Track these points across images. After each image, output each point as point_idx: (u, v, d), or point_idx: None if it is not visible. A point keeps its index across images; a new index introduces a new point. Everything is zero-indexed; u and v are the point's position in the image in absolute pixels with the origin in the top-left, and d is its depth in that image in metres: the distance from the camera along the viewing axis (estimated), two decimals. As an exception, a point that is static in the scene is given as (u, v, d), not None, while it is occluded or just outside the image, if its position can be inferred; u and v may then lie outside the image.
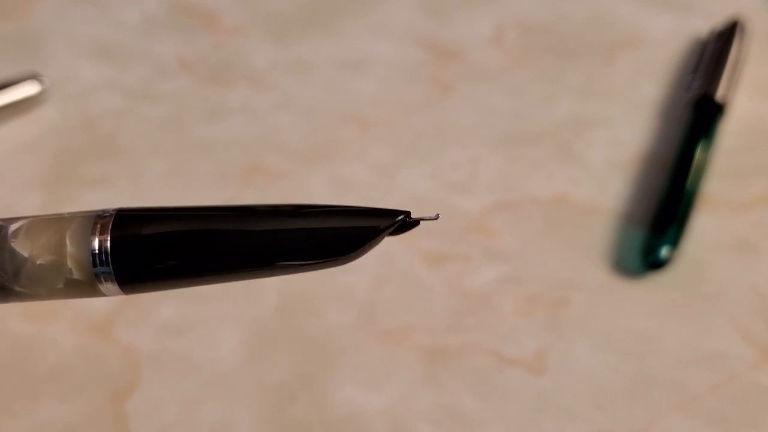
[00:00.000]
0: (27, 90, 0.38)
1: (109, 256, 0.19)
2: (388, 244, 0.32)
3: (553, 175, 0.35)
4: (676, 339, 0.29)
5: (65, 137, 0.37)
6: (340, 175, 0.35)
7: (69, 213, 0.20)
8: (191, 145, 0.37)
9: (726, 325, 0.30)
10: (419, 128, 0.37)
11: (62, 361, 0.29)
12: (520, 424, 0.27)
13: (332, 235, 0.19)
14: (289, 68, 0.40)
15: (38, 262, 0.19)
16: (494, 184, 0.35)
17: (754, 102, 0.38)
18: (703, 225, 0.33)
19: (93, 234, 0.19)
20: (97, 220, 0.19)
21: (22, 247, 0.19)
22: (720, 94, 0.36)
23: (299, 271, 0.19)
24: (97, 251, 0.19)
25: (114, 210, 0.19)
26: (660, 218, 0.32)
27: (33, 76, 0.38)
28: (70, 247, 0.19)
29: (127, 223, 0.19)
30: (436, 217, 0.19)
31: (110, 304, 0.30)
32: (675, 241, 0.31)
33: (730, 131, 0.36)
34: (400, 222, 0.19)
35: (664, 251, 0.31)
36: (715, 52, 0.38)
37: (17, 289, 0.19)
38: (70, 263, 0.19)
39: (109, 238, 0.19)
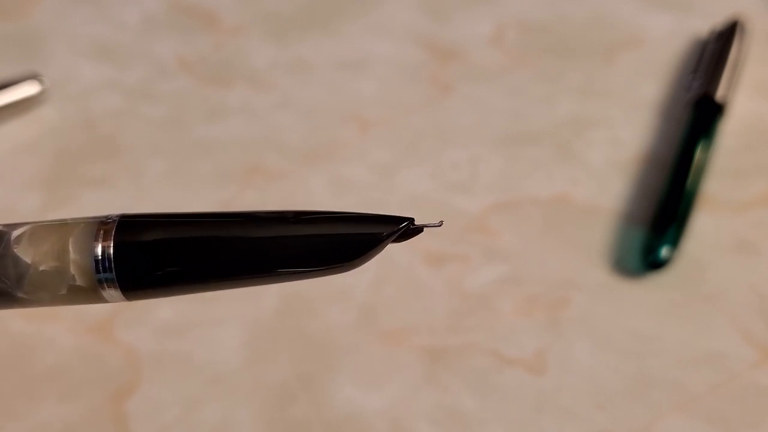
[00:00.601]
0: (27, 90, 0.38)
1: (112, 263, 0.19)
2: (388, 245, 0.32)
3: (553, 175, 0.35)
4: (676, 339, 0.29)
5: (65, 137, 0.37)
6: (340, 175, 0.35)
7: (72, 219, 0.20)
8: (191, 145, 0.37)
9: (726, 325, 0.30)
10: (419, 128, 0.37)
11: (62, 361, 0.29)
12: (520, 424, 0.27)
13: (335, 242, 0.19)
14: (289, 68, 0.40)
15: (41, 268, 0.19)
16: (494, 184, 0.35)
17: (754, 102, 0.38)
18: (703, 225, 0.33)
19: (96, 240, 0.19)
20: (100, 226, 0.19)
21: (25, 254, 0.19)
22: (720, 94, 0.36)
23: (302, 278, 0.19)
24: (100, 257, 0.19)
25: (117, 216, 0.19)
26: (660, 218, 0.32)
27: (33, 76, 0.38)
28: (73, 254, 0.19)
29: (130, 230, 0.19)
30: (440, 224, 0.19)
31: (110, 304, 0.30)
32: (675, 241, 0.31)
33: (730, 131, 0.36)
34: (404, 229, 0.19)
35: (664, 251, 0.31)
36: (715, 52, 0.38)
37: (20, 295, 0.19)
38: (73, 269, 0.19)
39: (112, 245, 0.19)
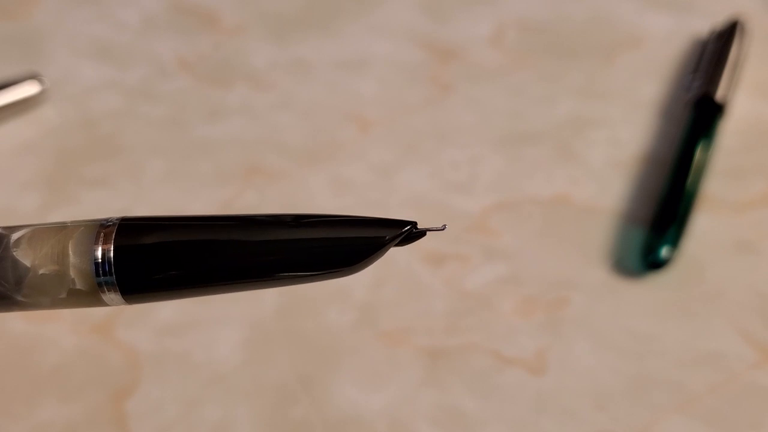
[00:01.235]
0: (27, 90, 0.38)
1: (113, 266, 0.19)
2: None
3: (553, 175, 0.35)
4: (676, 339, 0.30)
5: (65, 137, 0.37)
6: (340, 175, 0.35)
7: (72, 221, 0.19)
8: (191, 145, 0.37)
9: (726, 325, 0.30)
10: (419, 128, 0.37)
11: (63, 361, 0.29)
12: (520, 424, 0.27)
13: (336, 246, 0.18)
14: (289, 68, 0.40)
15: (41, 271, 0.19)
16: (494, 184, 0.35)
17: (754, 102, 0.38)
18: (703, 225, 0.33)
19: (96, 243, 0.19)
20: (101, 229, 0.19)
21: (24, 257, 0.19)
22: (720, 94, 0.36)
23: (303, 282, 0.19)
24: (100, 261, 0.19)
25: (117, 219, 0.19)
26: (660, 218, 0.32)
27: (33, 76, 0.38)
28: (72, 257, 0.19)
29: (130, 233, 0.19)
30: (443, 228, 0.19)
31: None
32: (675, 241, 0.31)
33: (730, 131, 0.36)
34: (406, 233, 0.19)
35: (664, 251, 0.31)
36: (715, 52, 0.38)
37: (19, 298, 0.19)
38: (72, 273, 0.19)
39: (112, 248, 0.19)
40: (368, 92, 0.39)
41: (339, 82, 0.40)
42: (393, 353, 0.29)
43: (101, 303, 0.19)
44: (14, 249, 0.19)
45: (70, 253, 0.19)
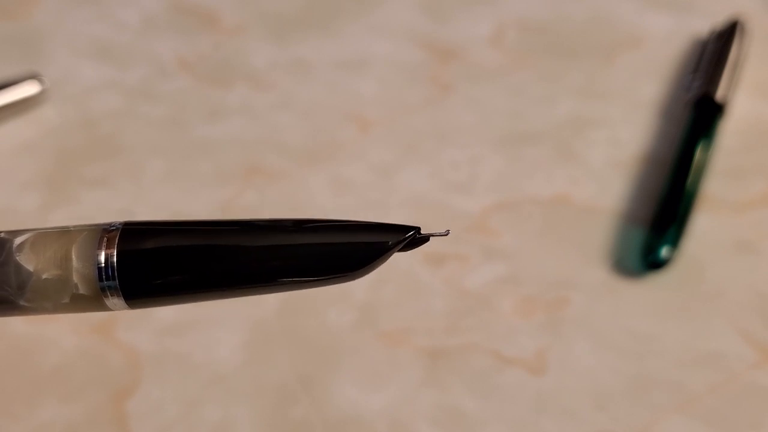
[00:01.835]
0: (27, 90, 0.38)
1: (116, 271, 0.19)
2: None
3: (553, 175, 0.35)
4: (676, 339, 0.30)
5: (65, 137, 0.37)
6: (340, 175, 0.35)
7: (75, 226, 0.19)
8: (191, 145, 0.37)
9: (726, 325, 0.30)
10: (419, 128, 0.37)
11: (63, 361, 0.29)
12: (520, 424, 0.27)
13: (339, 251, 0.18)
14: (289, 68, 0.40)
15: (44, 276, 0.19)
16: (494, 184, 0.35)
17: (754, 102, 0.38)
18: (703, 225, 0.33)
19: (99, 248, 0.19)
20: (104, 233, 0.19)
21: (27, 261, 0.19)
22: (720, 94, 0.36)
23: (306, 288, 0.19)
24: (103, 265, 0.19)
25: (120, 223, 0.19)
26: (660, 218, 0.32)
27: (33, 76, 0.38)
28: (75, 262, 0.19)
29: (133, 237, 0.19)
30: (447, 233, 0.19)
31: (110, 304, 0.30)
32: (675, 241, 0.31)
33: (730, 131, 0.36)
34: (410, 238, 0.19)
35: (664, 251, 0.31)
36: (715, 52, 0.38)
37: (22, 303, 0.19)
38: (75, 278, 0.19)
39: (115, 253, 0.19)
40: (368, 92, 0.39)
41: (339, 82, 0.40)
42: (393, 353, 0.29)
43: (104, 308, 0.19)
44: (17, 253, 0.19)
45: (73, 257, 0.19)
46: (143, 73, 0.40)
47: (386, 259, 0.19)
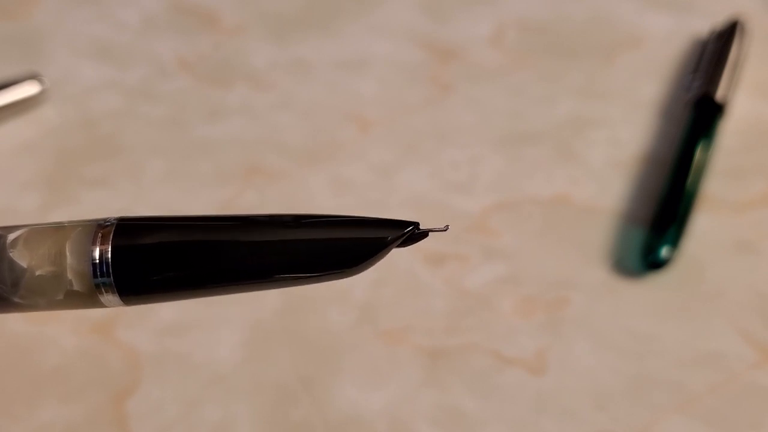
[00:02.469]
0: (27, 90, 0.38)
1: (110, 267, 0.18)
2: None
3: (553, 175, 0.35)
4: (676, 339, 0.30)
5: (65, 137, 0.37)
6: (340, 175, 0.35)
7: (69, 222, 0.19)
8: (191, 145, 0.37)
9: (726, 325, 0.30)
10: (419, 128, 0.37)
11: (63, 361, 0.29)
12: (520, 424, 0.27)
13: (337, 247, 0.18)
14: (289, 68, 0.40)
15: (37, 273, 0.19)
16: (494, 184, 0.35)
17: (754, 102, 0.38)
18: (703, 225, 0.33)
19: (94, 244, 0.18)
20: (98, 229, 0.19)
21: (20, 258, 0.19)
22: (720, 94, 0.36)
23: (303, 284, 0.19)
24: (97, 261, 0.18)
25: (115, 219, 0.19)
26: (660, 218, 0.32)
27: (33, 76, 0.38)
28: (70, 258, 0.19)
29: (128, 233, 0.18)
30: (446, 228, 0.19)
31: (110, 304, 0.30)
32: (675, 241, 0.31)
33: (730, 131, 0.36)
34: (409, 233, 0.19)
35: (664, 251, 0.31)
36: (715, 52, 0.38)
37: (16, 300, 0.19)
38: (70, 274, 0.19)
39: (110, 249, 0.18)
40: (368, 92, 0.39)
41: (339, 82, 0.40)
42: (393, 353, 0.29)
43: (99, 304, 0.19)
44: (11, 250, 0.19)
45: (68, 253, 0.19)
46: (143, 73, 0.40)
47: (385, 255, 0.18)
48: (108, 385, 0.28)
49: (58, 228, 0.19)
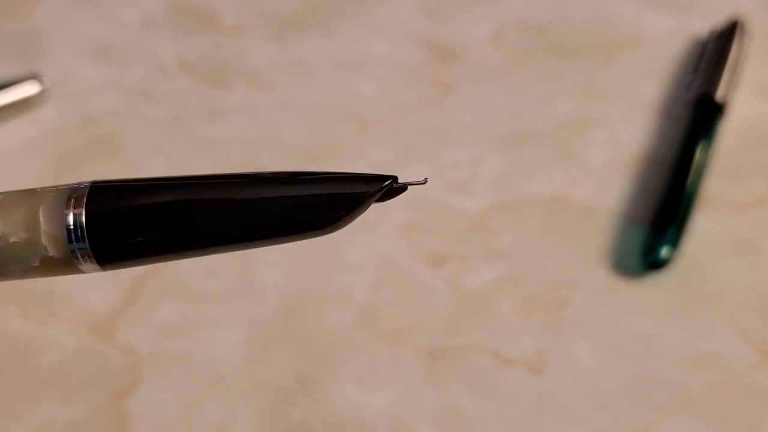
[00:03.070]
0: (27, 90, 0.38)
1: (85, 231, 0.18)
2: (389, 243, 0.32)
3: (553, 175, 0.35)
4: (676, 339, 0.30)
5: (65, 137, 0.37)
6: (340, 175, 0.35)
7: (42, 187, 0.19)
8: (191, 145, 0.37)
9: (726, 325, 0.30)
10: (419, 128, 0.37)
11: (63, 361, 0.29)
12: (520, 424, 0.27)
13: (317, 204, 0.18)
14: (289, 68, 0.40)
15: (11, 239, 0.18)
16: (494, 184, 0.35)
17: (754, 102, 0.38)
18: (703, 225, 0.33)
19: (67, 208, 0.18)
20: (72, 193, 0.18)
21: None
22: (720, 94, 0.36)
23: (284, 242, 0.18)
24: (72, 226, 0.18)
25: (89, 182, 0.18)
26: (660, 218, 0.32)
27: (33, 76, 0.38)
28: (44, 224, 0.18)
29: (103, 196, 0.18)
30: (425, 182, 0.19)
31: (111, 304, 0.30)
32: (675, 241, 0.31)
33: (730, 131, 0.36)
34: (387, 187, 0.18)
35: (664, 251, 0.31)
36: (715, 52, 0.38)
37: None
38: (44, 240, 0.18)
39: (84, 212, 0.18)
40: (368, 92, 0.39)
41: (339, 82, 0.40)
42: (393, 353, 0.29)
43: (76, 270, 0.18)
44: None
45: (41, 219, 0.18)
46: (143, 73, 0.40)
47: (364, 210, 0.18)
48: (108, 385, 0.28)
49: (32, 194, 0.18)
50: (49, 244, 0.18)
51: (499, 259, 0.32)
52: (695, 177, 0.33)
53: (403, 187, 0.18)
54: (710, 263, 0.32)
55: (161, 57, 0.41)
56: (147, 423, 0.27)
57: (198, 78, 0.40)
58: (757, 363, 0.29)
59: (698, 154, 0.34)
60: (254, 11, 0.44)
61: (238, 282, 0.31)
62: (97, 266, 0.18)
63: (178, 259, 0.19)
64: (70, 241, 0.18)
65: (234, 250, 0.19)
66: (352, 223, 0.18)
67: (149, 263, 0.19)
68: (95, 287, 0.31)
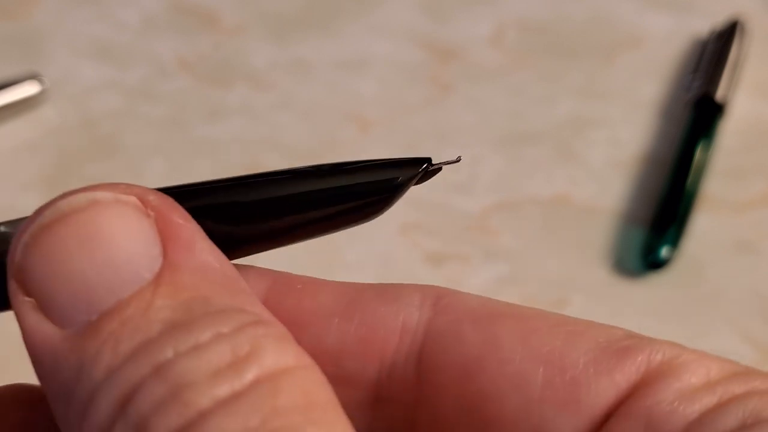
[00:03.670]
0: (27, 90, 0.38)
1: None
2: (389, 243, 0.32)
3: (553, 175, 0.35)
4: (676, 339, 0.29)
5: (65, 137, 0.37)
6: (340, 175, 0.35)
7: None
8: (191, 145, 0.37)
9: (726, 325, 0.30)
10: (419, 128, 0.37)
11: (62, 361, 0.29)
12: (520, 424, 0.27)
13: (360, 192, 0.18)
14: (289, 68, 0.40)
15: None
16: (494, 184, 0.35)
17: (754, 102, 0.38)
18: (703, 225, 0.33)
19: None
20: None
21: None
22: (720, 94, 0.36)
23: (330, 233, 0.18)
24: None
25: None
26: (660, 218, 0.32)
27: (33, 76, 0.38)
28: None
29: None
30: (458, 160, 0.19)
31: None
32: (675, 241, 0.31)
33: (730, 131, 0.36)
34: (425, 170, 0.19)
35: (664, 251, 0.31)
36: (715, 52, 0.38)
37: None
38: None
39: None
40: (368, 92, 0.39)
41: (339, 82, 0.40)
42: (393, 353, 0.29)
43: None
44: None
45: None
46: (143, 73, 0.40)
47: (401, 195, 0.18)
48: (108, 385, 0.28)
49: None
50: None
51: (499, 259, 0.32)
52: (695, 177, 0.33)
53: (438, 168, 0.19)
54: (710, 263, 0.32)
55: (161, 57, 0.41)
56: (147, 423, 0.27)
57: (198, 78, 0.40)
58: (757, 363, 0.29)
59: (698, 154, 0.34)
60: (254, 11, 0.44)
61: (238, 282, 0.31)
62: None
63: (241, 256, 0.19)
64: None
65: (280, 246, 0.19)
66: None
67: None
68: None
